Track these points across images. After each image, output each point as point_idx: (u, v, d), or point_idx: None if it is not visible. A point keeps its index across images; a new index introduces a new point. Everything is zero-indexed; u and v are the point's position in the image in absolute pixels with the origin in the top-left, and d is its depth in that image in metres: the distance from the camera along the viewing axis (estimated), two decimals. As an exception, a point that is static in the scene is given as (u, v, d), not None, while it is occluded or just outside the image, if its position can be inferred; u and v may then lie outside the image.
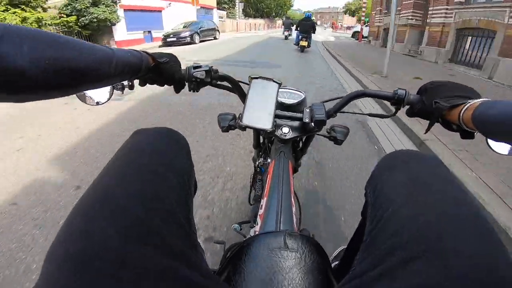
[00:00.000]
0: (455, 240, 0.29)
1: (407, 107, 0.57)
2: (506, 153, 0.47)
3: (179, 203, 0.41)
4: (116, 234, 0.30)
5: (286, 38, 13.63)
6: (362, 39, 14.74)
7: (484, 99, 0.43)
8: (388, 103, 0.62)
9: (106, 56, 0.37)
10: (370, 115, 0.68)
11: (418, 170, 0.42)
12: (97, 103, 0.58)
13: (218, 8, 24.46)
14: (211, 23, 14.31)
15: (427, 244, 0.29)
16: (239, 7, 23.52)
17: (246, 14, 32.17)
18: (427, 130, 0.52)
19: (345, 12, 56.37)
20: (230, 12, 25.87)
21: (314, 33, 8.95)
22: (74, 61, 0.32)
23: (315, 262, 0.36)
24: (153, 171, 0.42)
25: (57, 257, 0.28)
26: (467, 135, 0.47)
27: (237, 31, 22.96)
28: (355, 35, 16.75)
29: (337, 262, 0.69)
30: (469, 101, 0.44)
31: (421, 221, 0.32)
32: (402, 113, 0.61)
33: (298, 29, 8.86)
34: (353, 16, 56.60)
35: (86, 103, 0.58)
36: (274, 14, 35.39)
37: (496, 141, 0.46)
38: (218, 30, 14.57)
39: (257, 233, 0.48)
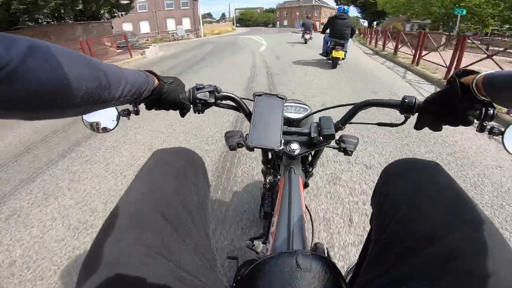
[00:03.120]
0: (457, 247, 0.32)
1: (415, 117, 0.56)
2: None
3: (199, 221, 0.45)
4: (144, 248, 0.33)
5: (305, 42, 11.80)
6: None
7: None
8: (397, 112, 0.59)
9: (117, 75, 0.37)
10: (380, 124, 0.66)
11: (420, 178, 0.45)
12: (105, 131, 0.58)
13: None
14: None
15: (431, 251, 0.33)
16: None
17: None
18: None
19: (337, 2, 43.81)
20: None
21: (352, 38, 5.78)
22: (90, 81, 0.31)
23: (329, 280, 0.37)
24: (175, 190, 0.45)
25: (91, 266, 0.32)
26: (486, 111, 0.45)
27: None
28: None
29: (350, 276, 0.72)
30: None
31: (422, 228, 0.36)
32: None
33: (328, 31, 5.60)
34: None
35: (94, 131, 0.58)
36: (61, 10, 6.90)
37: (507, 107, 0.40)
38: None
39: (269, 251, 0.50)
